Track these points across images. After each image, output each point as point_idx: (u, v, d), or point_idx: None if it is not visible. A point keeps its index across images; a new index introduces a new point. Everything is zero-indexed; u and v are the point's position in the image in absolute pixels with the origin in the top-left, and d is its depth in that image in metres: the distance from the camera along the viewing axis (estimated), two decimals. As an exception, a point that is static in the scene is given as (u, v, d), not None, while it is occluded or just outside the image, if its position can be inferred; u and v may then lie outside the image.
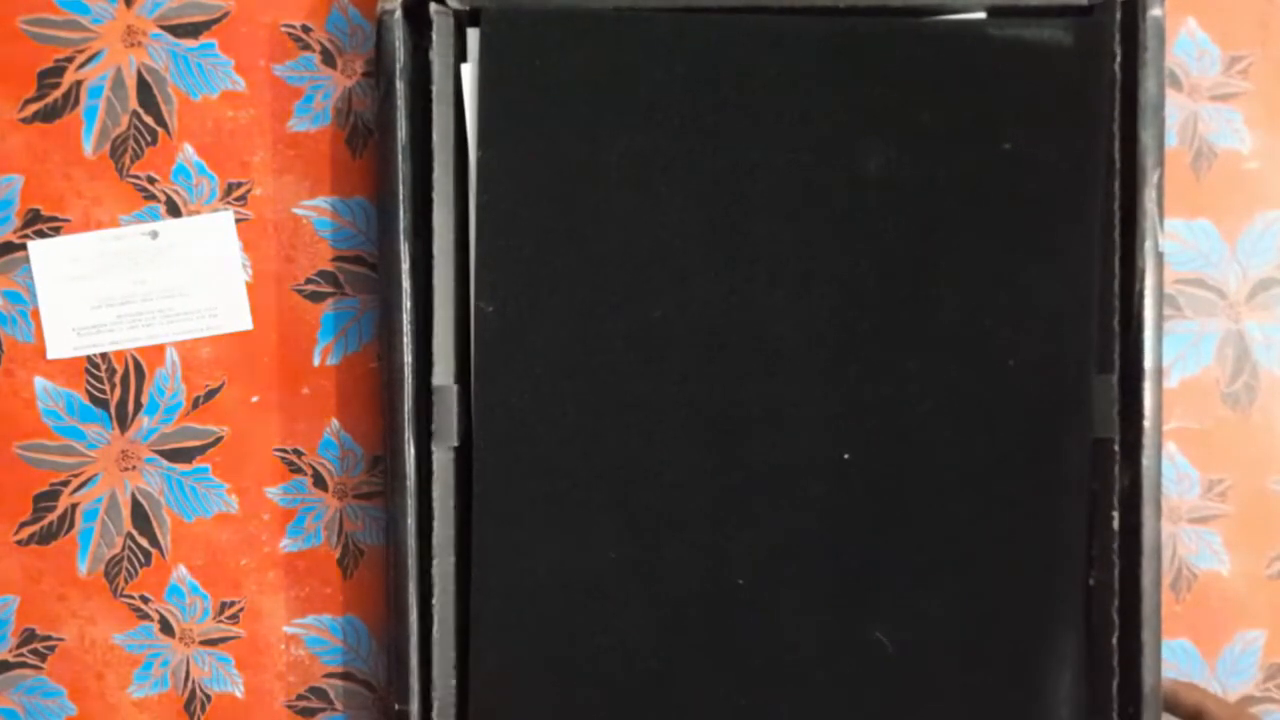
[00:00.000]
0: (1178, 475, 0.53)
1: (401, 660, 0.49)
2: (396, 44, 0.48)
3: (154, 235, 0.48)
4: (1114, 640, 0.48)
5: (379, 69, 0.49)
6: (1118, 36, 0.48)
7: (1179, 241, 0.53)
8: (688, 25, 0.49)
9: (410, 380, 0.49)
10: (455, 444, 0.50)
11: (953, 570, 0.49)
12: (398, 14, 0.48)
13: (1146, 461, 0.48)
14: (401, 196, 0.49)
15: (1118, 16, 0.48)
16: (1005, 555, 0.49)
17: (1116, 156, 0.48)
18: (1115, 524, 0.48)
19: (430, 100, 0.49)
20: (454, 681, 0.50)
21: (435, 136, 0.49)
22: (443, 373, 0.49)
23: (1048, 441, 0.49)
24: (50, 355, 0.52)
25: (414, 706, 0.49)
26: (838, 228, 0.49)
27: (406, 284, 0.49)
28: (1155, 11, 0.48)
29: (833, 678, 0.50)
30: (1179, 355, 0.53)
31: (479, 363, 0.49)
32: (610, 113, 0.49)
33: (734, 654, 0.50)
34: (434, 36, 0.49)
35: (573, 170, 0.49)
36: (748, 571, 0.50)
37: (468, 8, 0.49)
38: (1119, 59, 0.48)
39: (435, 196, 0.49)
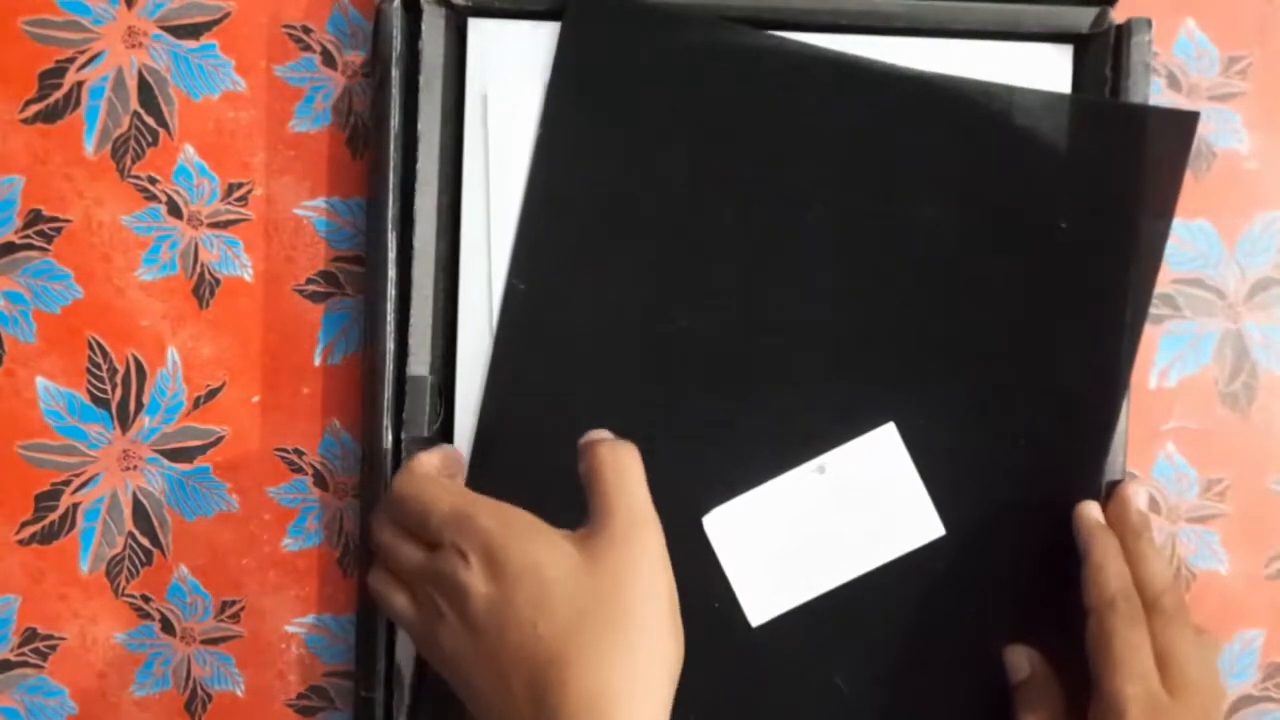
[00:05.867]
0: (1176, 475, 0.53)
1: (369, 648, 0.50)
2: (394, 34, 0.49)
3: None
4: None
5: (375, 58, 0.50)
6: (1109, 61, 0.49)
7: (1178, 242, 0.53)
8: (775, 49, 0.49)
9: (391, 372, 0.49)
10: (425, 435, 0.50)
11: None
12: (396, 2, 0.49)
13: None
14: (391, 185, 0.49)
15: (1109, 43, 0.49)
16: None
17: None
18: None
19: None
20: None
21: (420, 127, 0.49)
22: (419, 362, 0.50)
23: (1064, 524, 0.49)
24: None
25: (379, 695, 0.50)
26: (873, 276, 0.49)
27: (392, 273, 0.49)
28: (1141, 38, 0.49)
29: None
30: (1177, 355, 0.53)
31: (500, 337, 0.50)
32: (680, 120, 0.49)
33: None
34: (423, 27, 0.49)
35: (630, 169, 0.50)
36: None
37: (470, 3, 0.50)
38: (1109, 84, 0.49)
39: (418, 186, 0.49)
